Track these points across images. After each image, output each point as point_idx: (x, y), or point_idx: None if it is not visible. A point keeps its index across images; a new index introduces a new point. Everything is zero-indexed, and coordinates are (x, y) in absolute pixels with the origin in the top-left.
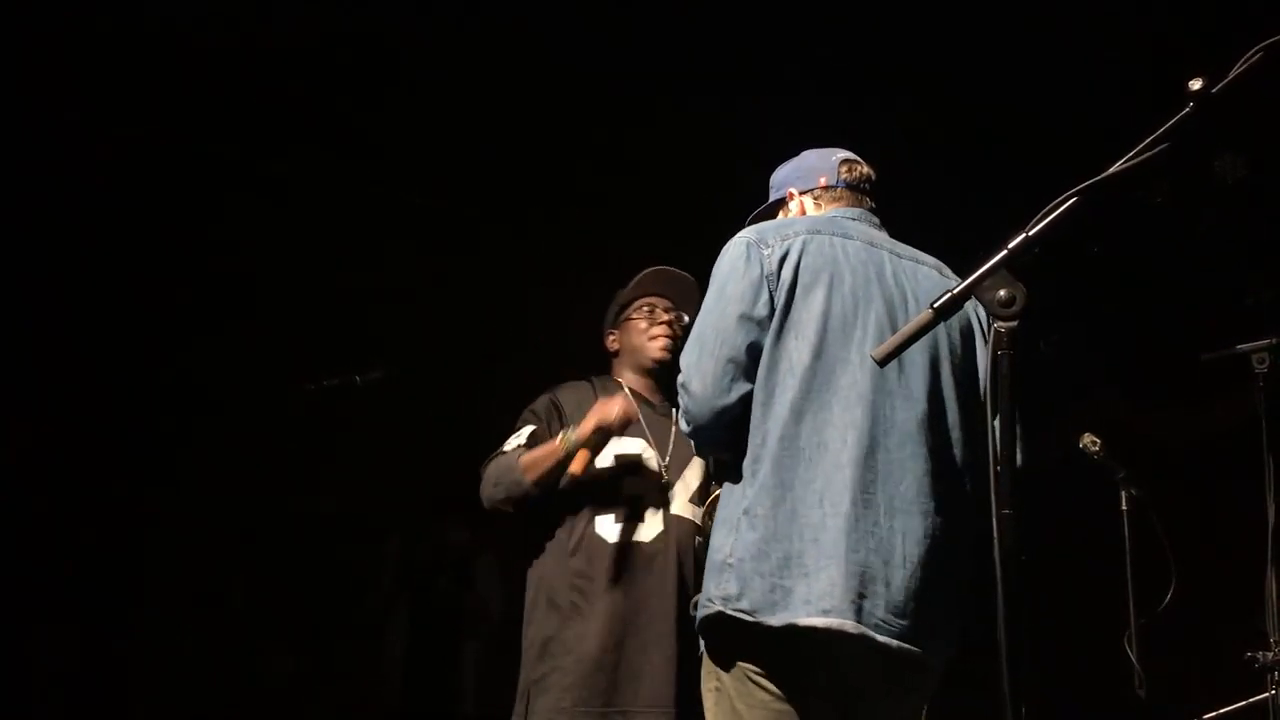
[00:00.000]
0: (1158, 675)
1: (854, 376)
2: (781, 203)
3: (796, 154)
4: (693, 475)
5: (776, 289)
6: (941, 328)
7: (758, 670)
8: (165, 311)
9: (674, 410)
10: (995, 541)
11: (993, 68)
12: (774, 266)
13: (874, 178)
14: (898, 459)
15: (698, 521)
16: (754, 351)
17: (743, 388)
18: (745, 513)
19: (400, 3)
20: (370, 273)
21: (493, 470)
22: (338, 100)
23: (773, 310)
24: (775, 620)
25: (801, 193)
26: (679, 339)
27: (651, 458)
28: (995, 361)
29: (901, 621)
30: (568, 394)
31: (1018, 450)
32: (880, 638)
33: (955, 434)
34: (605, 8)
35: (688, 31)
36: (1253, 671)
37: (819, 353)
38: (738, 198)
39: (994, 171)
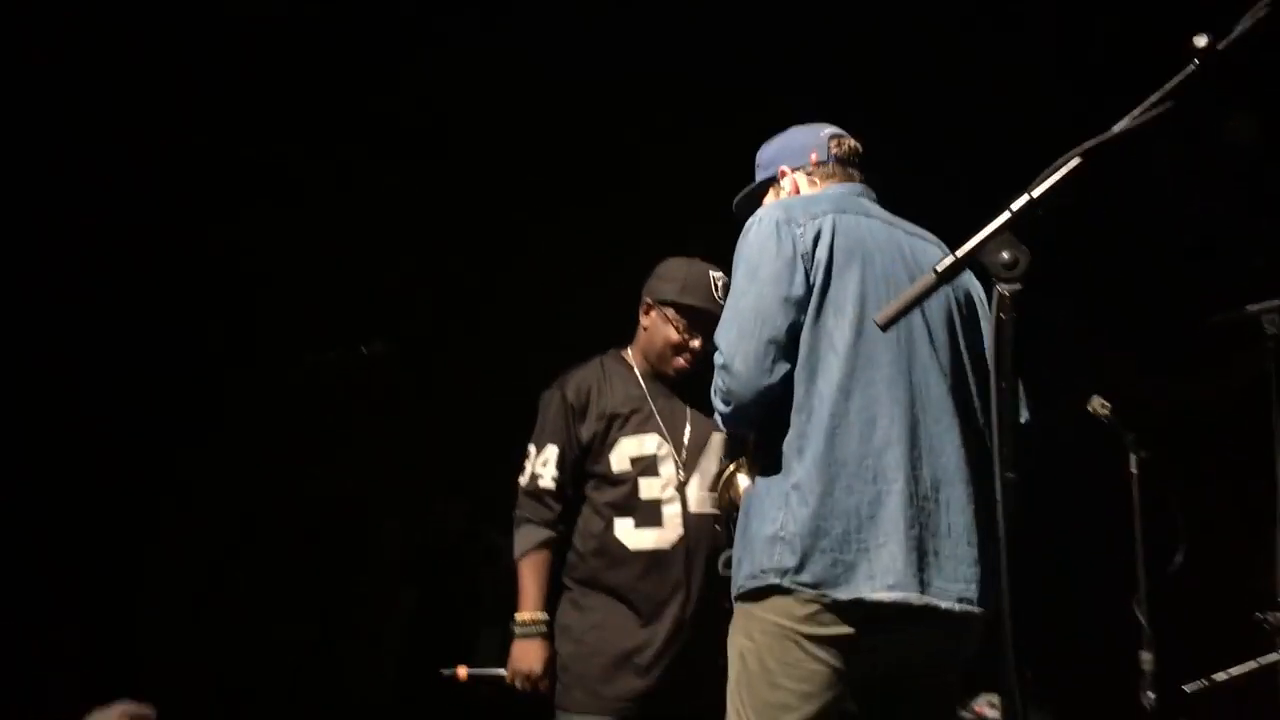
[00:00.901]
0: (1167, 637)
1: (894, 353)
2: (771, 181)
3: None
4: (709, 463)
5: (812, 268)
6: (952, 298)
7: (805, 634)
8: (171, 296)
9: (681, 389)
10: (999, 505)
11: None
12: (808, 245)
13: (861, 150)
14: (936, 433)
15: (717, 512)
16: (794, 331)
17: (784, 367)
18: (795, 487)
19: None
20: (378, 260)
21: (515, 544)
22: (348, 89)
23: (809, 289)
24: (842, 594)
25: (794, 170)
26: (697, 366)
27: (667, 454)
28: (999, 325)
29: (957, 586)
30: (578, 383)
31: (1023, 410)
32: (944, 604)
33: (977, 403)
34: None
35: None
36: (1262, 632)
37: (859, 331)
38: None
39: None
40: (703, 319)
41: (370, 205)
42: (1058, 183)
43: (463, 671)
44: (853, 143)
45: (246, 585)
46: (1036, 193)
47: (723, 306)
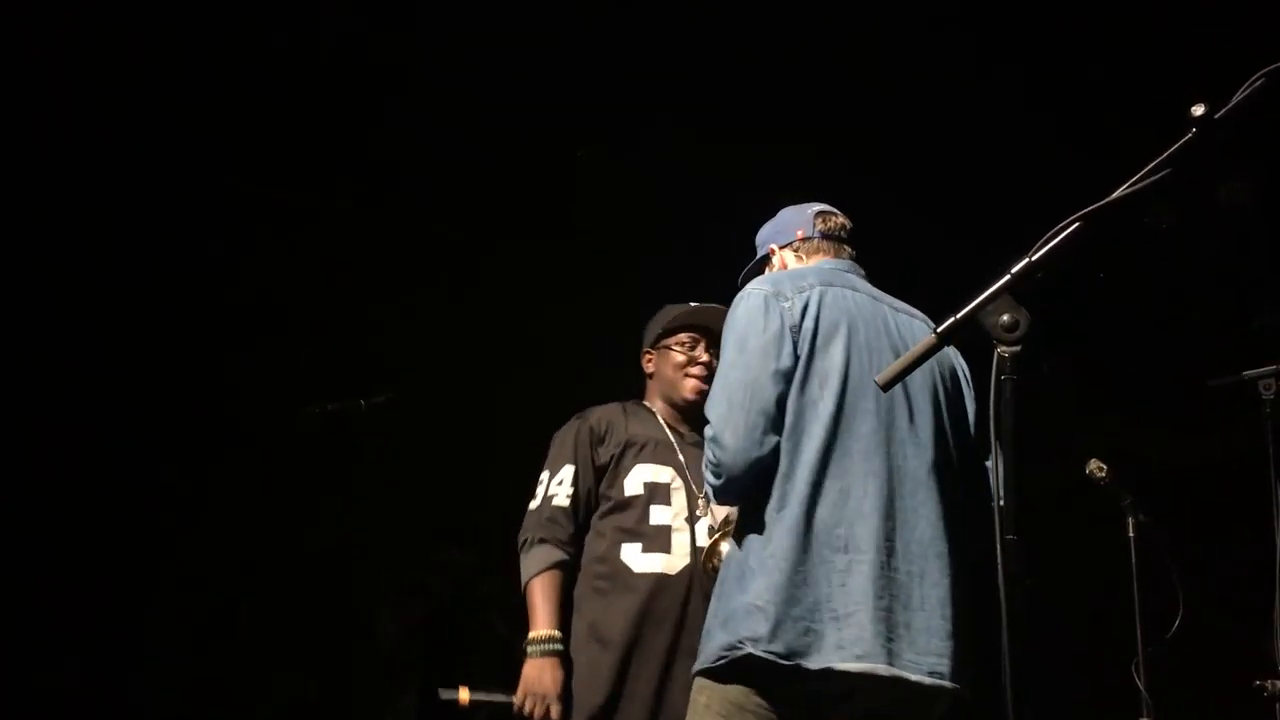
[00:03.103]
0: (1165, 703)
1: (872, 425)
2: (765, 260)
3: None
4: (719, 508)
5: (800, 340)
6: (936, 373)
7: (766, 705)
8: (173, 339)
9: (702, 437)
10: (999, 568)
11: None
12: (796, 318)
13: (849, 226)
14: (911, 505)
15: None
16: (782, 403)
17: (773, 439)
18: (771, 555)
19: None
20: (377, 300)
21: (525, 565)
22: (341, 124)
23: (796, 360)
24: (812, 664)
25: (781, 247)
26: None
27: (680, 487)
28: (999, 387)
29: (929, 659)
30: (600, 415)
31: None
32: (913, 677)
33: (957, 476)
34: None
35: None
36: (1261, 700)
37: (841, 402)
38: (737, 225)
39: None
40: (697, 326)
41: (371, 257)
42: (1057, 246)
43: (465, 695)
44: (841, 219)
45: (242, 639)
46: (1036, 256)
47: (700, 307)
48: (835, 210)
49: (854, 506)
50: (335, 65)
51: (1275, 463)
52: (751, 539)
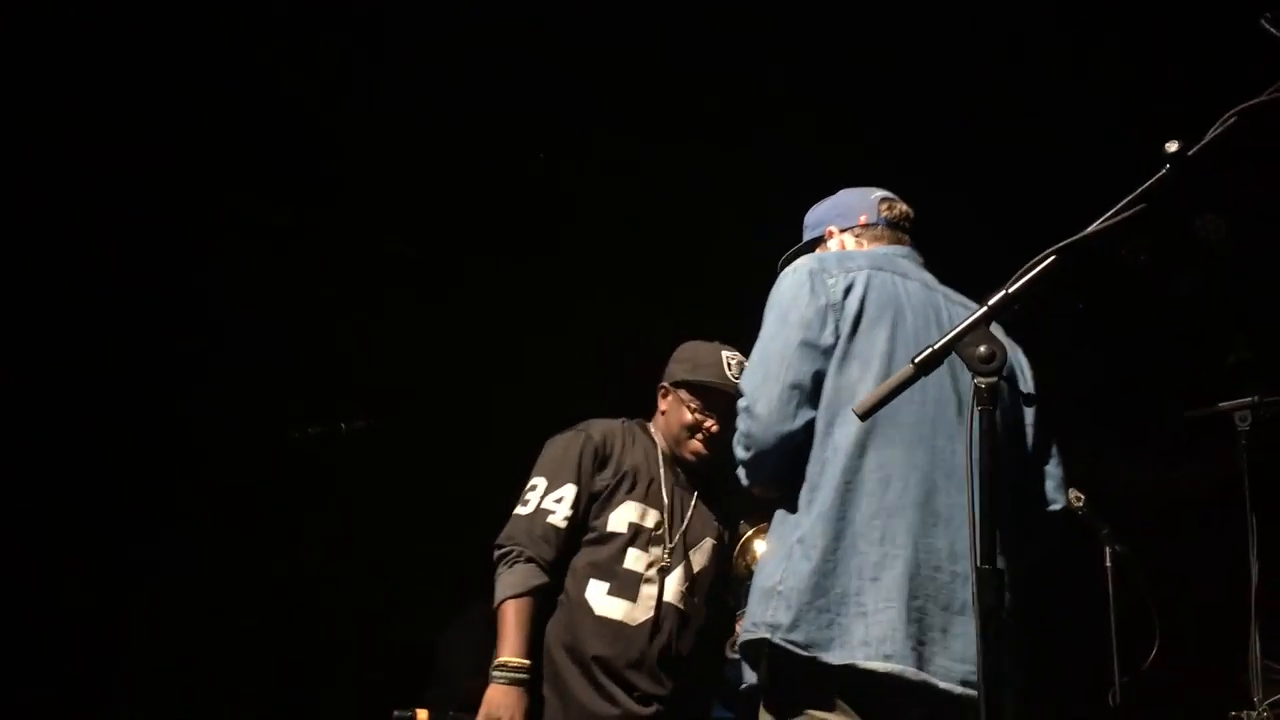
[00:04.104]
0: None
1: (917, 416)
2: (819, 241)
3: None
4: (697, 559)
5: (841, 319)
6: None
7: (827, 713)
8: (150, 361)
9: (698, 482)
10: (974, 597)
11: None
12: (838, 297)
13: (912, 215)
14: (958, 503)
15: (687, 611)
16: (818, 379)
17: (807, 414)
18: (800, 541)
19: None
20: (358, 322)
21: (505, 579)
22: (323, 146)
23: (837, 339)
24: (833, 658)
25: (841, 230)
26: (716, 452)
27: (661, 535)
28: (980, 416)
29: (963, 667)
30: (605, 432)
31: (1059, 496)
32: (943, 684)
33: (1013, 479)
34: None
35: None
36: None
37: None
38: (731, 247)
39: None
40: (715, 398)
41: (350, 277)
42: (1033, 279)
43: (423, 716)
44: (904, 207)
45: (219, 665)
46: (1013, 289)
47: (736, 384)
48: (897, 197)
49: (894, 498)
50: (322, 79)
51: (1251, 494)
52: (781, 525)
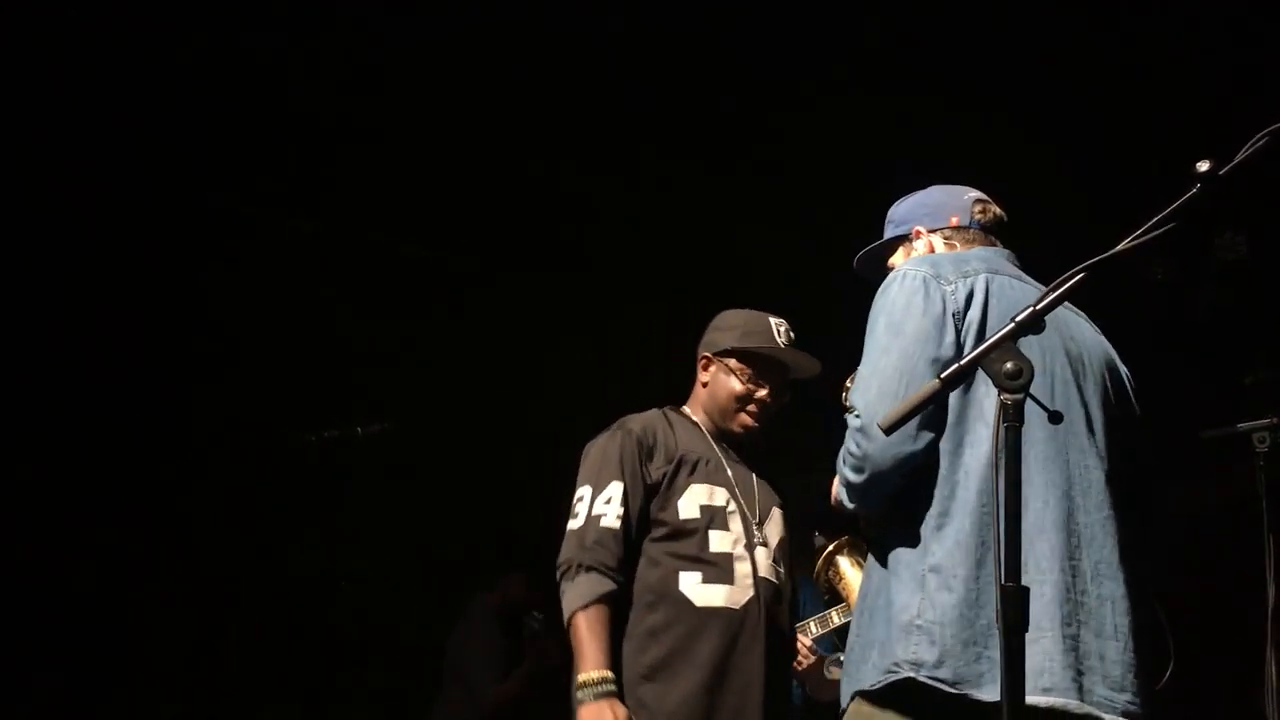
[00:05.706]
0: None
1: (1050, 431)
2: (903, 239)
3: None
4: (772, 531)
5: (964, 329)
6: (1105, 377)
7: None
8: (166, 363)
9: (744, 453)
10: (998, 613)
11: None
12: (960, 304)
13: (1006, 220)
14: (1097, 520)
15: (778, 584)
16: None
17: (929, 435)
18: (934, 570)
19: (408, 55)
20: (376, 327)
21: (569, 594)
22: (341, 152)
23: (959, 351)
24: (985, 695)
25: (930, 231)
26: (766, 423)
27: (736, 511)
28: (1004, 434)
29: (1123, 696)
30: (645, 424)
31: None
32: (1107, 717)
33: (1130, 493)
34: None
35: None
36: None
37: None
38: (753, 259)
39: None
40: (768, 364)
41: (367, 283)
42: (1061, 296)
43: None
44: (997, 210)
45: (236, 663)
46: (1040, 305)
47: (788, 349)
48: (991, 200)
49: (1034, 520)
50: (332, 82)
51: (1269, 514)
52: (903, 552)
